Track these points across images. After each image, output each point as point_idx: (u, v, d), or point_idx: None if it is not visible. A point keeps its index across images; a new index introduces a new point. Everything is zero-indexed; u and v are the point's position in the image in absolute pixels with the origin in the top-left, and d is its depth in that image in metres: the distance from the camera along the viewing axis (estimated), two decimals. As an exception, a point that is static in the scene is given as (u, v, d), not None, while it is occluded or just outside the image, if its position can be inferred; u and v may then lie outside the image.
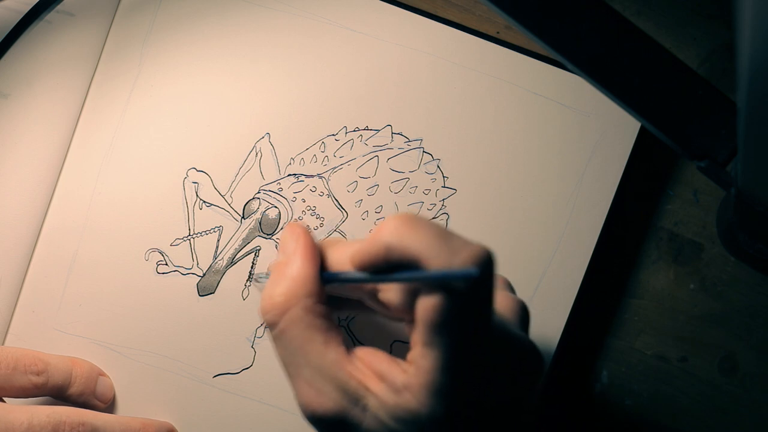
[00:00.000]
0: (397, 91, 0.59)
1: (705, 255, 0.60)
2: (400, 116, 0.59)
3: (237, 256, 0.59)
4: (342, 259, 0.46)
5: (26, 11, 0.57)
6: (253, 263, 0.59)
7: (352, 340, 0.59)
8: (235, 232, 0.59)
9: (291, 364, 0.45)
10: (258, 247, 0.59)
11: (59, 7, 0.58)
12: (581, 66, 0.46)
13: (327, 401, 0.44)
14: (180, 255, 0.59)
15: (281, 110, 0.60)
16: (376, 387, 0.43)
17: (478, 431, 0.44)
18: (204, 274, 0.59)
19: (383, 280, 0.44)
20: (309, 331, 0.44)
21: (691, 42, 0.61)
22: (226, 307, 0.59)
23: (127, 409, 0.59)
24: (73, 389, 0.57)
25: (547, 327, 0.58)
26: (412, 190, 0.59)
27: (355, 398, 0.43)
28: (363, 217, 0.59)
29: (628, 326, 0.60)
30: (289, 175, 0.59)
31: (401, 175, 0.59)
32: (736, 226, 0.56)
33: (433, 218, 0.59)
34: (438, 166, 0.59)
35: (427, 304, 0.41)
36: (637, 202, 0.60)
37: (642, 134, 0.59)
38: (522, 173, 0.59)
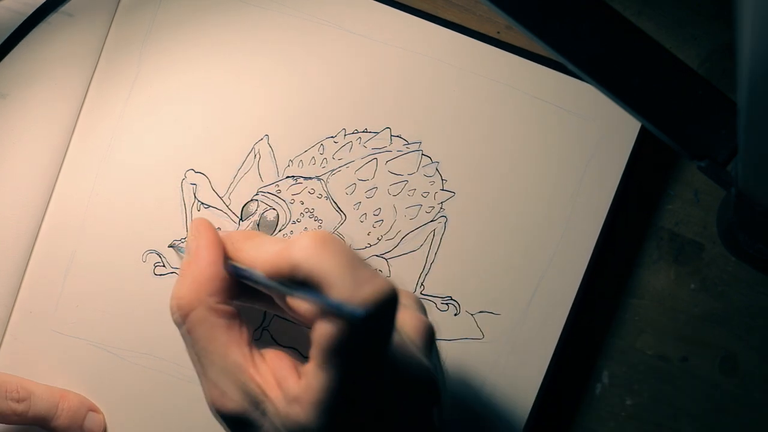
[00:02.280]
0: (397, 94, 0.59)
1: (705, 255, 0.60)
2: (399, 119, 0.59)
3: (235, 258, 0.59)
4: (252, 255, 0.48)
5: (26, 11, 0.57)
6: (251, 265, 0.59)
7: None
8: (233, 233, 0.59)
9: (198, 364, 0.46)
10: (256, 249, 0.59)
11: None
12: (581, 66, 0.45)
13: (230, 402, 0.45)
14: (178, 257, 0.59)
15: (280, 112, 0.60)
16: (273, 393, 0.44)
17: None
18: (202, 276, 0.59)
19: (282, 291, 0.45)
20: (212, 332, 0.46)
21: (691, 42, 0.60)
22: (224, 309, 0.59)
23: (122, 412, 0.59)
24: (58, 422, 0.56)
25: (547, 327, 0.58)
26: (410, 193, 0.59)
27: (255, 401, 0.44)
28: (361, 219, 0.59)
29: (629, 326, 0.60)
30: (288, 177, 0.59)
31: (400, 178, 0.59)
32: (736, 226, 0.56)
33: (431, 221, 0.59)
34: (437, 169, 0.59)
35: (321, 330, 0.42)
36: (637, 202, 0.60)
37: (642, 134, 0.59)
38: (521, 176, 0.59)
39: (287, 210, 0.59)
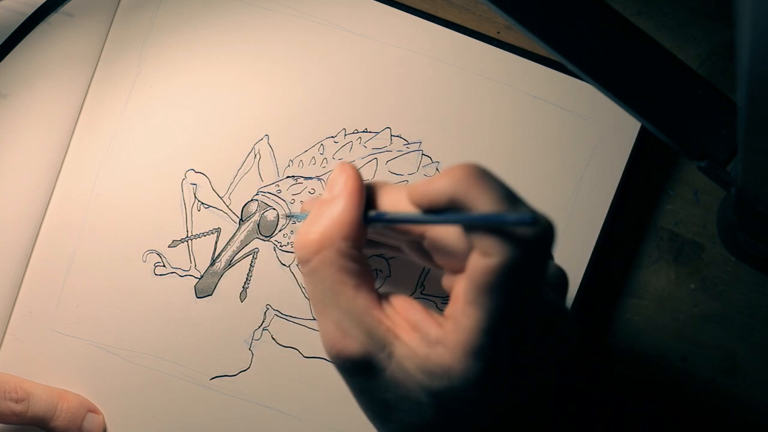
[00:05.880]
0: (397, 94, 0.59)
1: (705, 255, 0.60)
2: (400, 119, 0.59)
3: (235, 258, 0.59)
4: (394, 203, 0.45)
5: (25, 11, 0.57)
6: (251, 265, 0.59)
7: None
8: (233, 234, 0.59)
9: (320, 303, 0.44)
10: (256, 249, 0.59)
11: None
12: (581, 66, 0.45)
13: (352, 343, 0.43)
14: (178, 256, 0.59)
15: (280, 112, 0.60)
16: (407, 336, 0.43)
17: (508, 394, 0.43)
18: (202, 276, 0.59)
19: (435, 221, 0.43)
20: (340, 274, 0.44)
21: (691, 42, 0.60)
22: (223, 309, 0.59)
23: (122, 412, 0.59)
24: (57, 422, 0.57)
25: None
26: (410, 193, 0.59)
27: (381, 344, 0.43)
28: (362, 218, 0.59)
29: (629, 326, 0.60)
30: (288, 177, 0.59)
31: (400, 178, 0.59)
32: (736, 226, 0.56)
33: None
34: (437, 169, 0.59)
35: (481, 263, 0.40)
36: (637, 202, 0.60)
37: (642, 134, 0.59)
38: (521, 176, 0.59)
39: (287, 210, 0.59)
